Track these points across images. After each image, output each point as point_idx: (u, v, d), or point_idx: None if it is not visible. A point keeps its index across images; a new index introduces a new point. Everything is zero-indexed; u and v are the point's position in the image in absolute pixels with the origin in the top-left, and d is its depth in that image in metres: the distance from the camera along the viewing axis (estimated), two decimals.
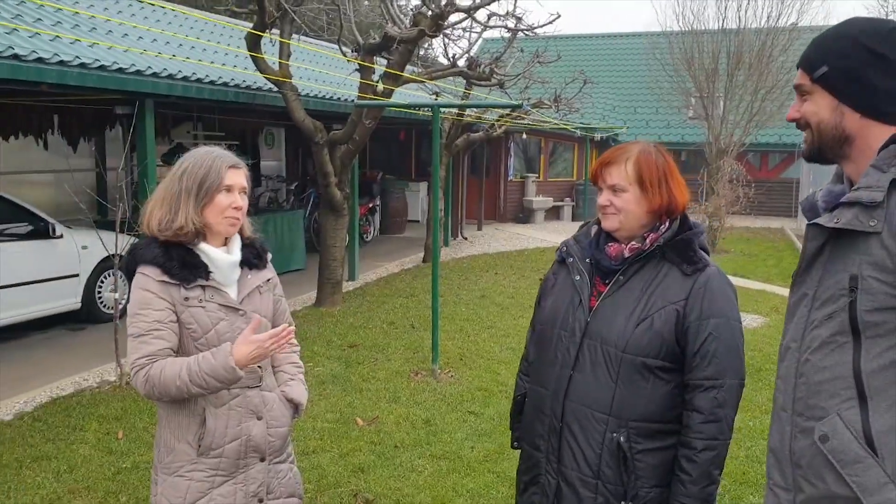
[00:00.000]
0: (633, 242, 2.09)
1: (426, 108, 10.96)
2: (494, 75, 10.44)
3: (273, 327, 2.32)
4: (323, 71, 11.43)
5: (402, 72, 8.10)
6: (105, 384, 6.01)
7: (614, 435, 2.02)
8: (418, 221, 17.03)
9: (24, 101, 8.33)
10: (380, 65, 8.56)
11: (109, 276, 7.76)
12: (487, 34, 13.40)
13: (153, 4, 11.34)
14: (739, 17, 17.52)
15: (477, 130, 13.76)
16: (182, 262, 2.15)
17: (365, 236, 14.14)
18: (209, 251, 2.21)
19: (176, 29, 10.55)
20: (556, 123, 16.98)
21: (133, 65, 6.77)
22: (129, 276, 2.20)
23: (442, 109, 9.77)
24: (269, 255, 2.42)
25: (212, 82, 7.76)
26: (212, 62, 8.88)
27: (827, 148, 1.56)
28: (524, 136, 18.21)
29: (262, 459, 2.27)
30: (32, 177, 10.51)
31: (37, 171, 10.49)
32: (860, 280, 1.41)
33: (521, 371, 2.40)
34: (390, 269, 11.85)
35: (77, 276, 7.52)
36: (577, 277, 2.15)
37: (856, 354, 1.43)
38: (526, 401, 2.29)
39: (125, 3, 10.55)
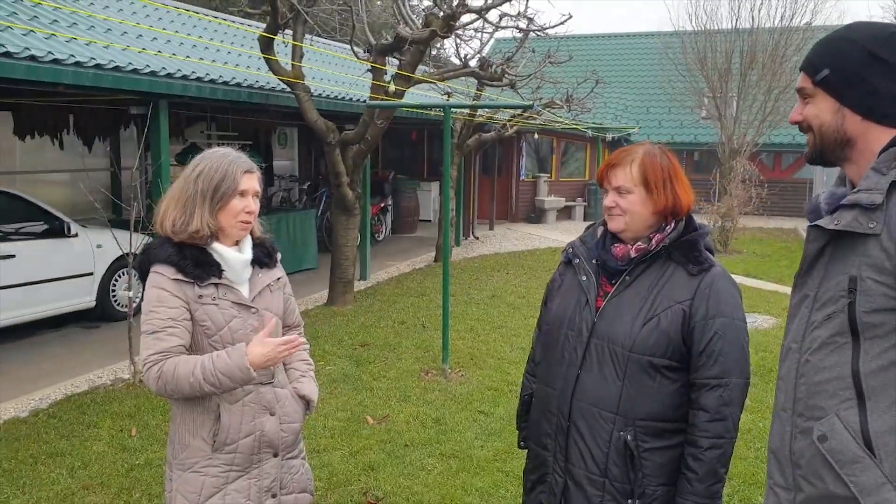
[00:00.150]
0: (640, 243, 2.11)
1: (438, 109, 10.99)
2: (506, 76, 10.45)
3: (283, 326, 2.36)
4: (335, 72, 11.48)
5: (413, 72, 8.13)
6: (119, 382, 6.08)
7: (621, 433, 2.03)
8: (430, 221, 17.06)
9: (40, 101, 8.43)
10: (392, 65, 8.59)
11: (123, 274, 7.84)
12: (499, 34, 13.42)
13: (167, 7, 11.43)
14: (753, 17, 17.48)
15: (489, 130, 13.77)
16: (196, 261, 2.19)
17: (377, 236, 14.18)
18: (222, 250, 2.24)
19: (190, 30, 10.64)
20: (567, 123, 16.97)
21: (147, 66, 6.84)
22: (143, 275, 2.23)
23: (453, 110, 9.79)
24: (279, 255, 2.46)
25: (225, 83, 7.82)
26: (225, 63, 8.95)
27: (829, 150, 1.58)
28: (536, 136, 18.19)
29: (276, 455, 2.30)
30: (48, 176, 10.63)
31: (53, 170, 10.61)
32: (859, 281, 1.43)
33: (528, 372, 2.43)
34: (402, 269, 11.88)
35: (91, 274, 7.60)
36: (584, 278, 2.18)
37: (855, 355, 1.44)
38: (533, 400, 2.31)
39: (139, 5, 10.64)
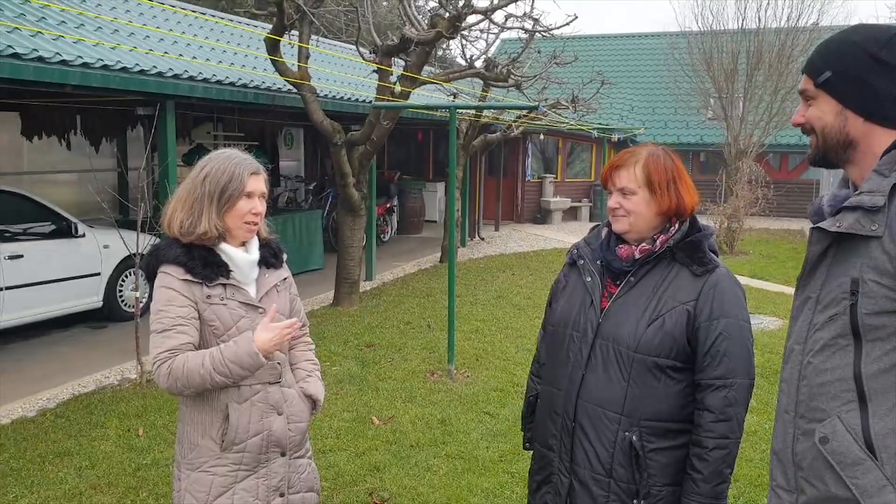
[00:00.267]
0: (644, 244, 2.11)
1: (443, 110, 11.00)
2: (512, 76, 10.45)
3: None
4: (341, 73, 11.50)
5: (419, 73, 8.14)
6: (126, 382, 6.10)
7: (626, 434, 2.04)
8: (435, 222, 17.07)
9: (48, 102, 8.47)
10: (397, 66, 8.61)
11: (130, 275, 7.87)
12: (505, 35, 13.42)
13: (174, 8, 11.47)
14: (759, 17, 17.45)
15: (494, 131, 13.77)
16: (204, 262, 2.21)
17: (382, 236, 14.20)
18: (229, 251, 2.26)
19: (196, 31, 10.68)
20: (573, 124, 16.96)
21: (154, 67, 6.88)
22: (151, 275, 2.25)
23: (459, 110, 9.80)
24: (286, 256, 2.48)
25: (232, 84, 7.85)
26: (231, 64, 8.98)
27: (831, 152, 1.58)
28: (542, 136, 18.19)
29: (283, 454, 2.32)
30: (56, 176, 10.69)
31: (60, 171, 10.66)
32: (861, 283, 1.43)
33: (533, 373, 2.44)
34: (407, 270, 11.90)
35: (99, 274, 7.64)
36: (589, 279, 2.18)
37: (856, 357, 1.44)
38: (538, 401, 2.32)
39: (147, 6, 10.67)
